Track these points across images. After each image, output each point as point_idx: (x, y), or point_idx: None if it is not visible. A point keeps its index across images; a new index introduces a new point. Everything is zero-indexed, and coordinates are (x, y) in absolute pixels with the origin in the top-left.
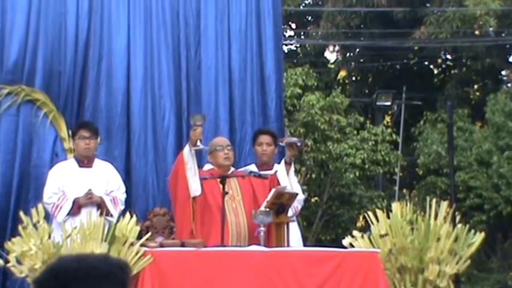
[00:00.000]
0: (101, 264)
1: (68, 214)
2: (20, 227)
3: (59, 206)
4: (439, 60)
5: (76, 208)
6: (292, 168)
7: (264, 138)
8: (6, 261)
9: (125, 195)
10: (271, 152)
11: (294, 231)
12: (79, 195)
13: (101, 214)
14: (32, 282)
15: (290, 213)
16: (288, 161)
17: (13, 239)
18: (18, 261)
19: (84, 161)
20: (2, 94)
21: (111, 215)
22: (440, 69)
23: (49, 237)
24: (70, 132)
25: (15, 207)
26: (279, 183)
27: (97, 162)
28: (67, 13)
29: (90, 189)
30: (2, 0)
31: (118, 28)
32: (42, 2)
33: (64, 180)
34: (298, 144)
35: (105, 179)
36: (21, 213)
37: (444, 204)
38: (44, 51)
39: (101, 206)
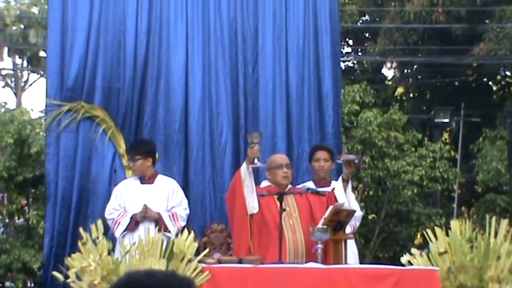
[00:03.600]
0: (172, 280)
1: (126, 230)
2: (79, 243)
3: (118, 221)
4: (498, 77)
5: (133, 224)
6: (350, 186)
7: (321, 154)
8: (66, 277)
9: (186, 212)
10: (328, 167)
11: (351, 249)
12: (138, 211)
13: (159, 230)
14: None
15: (348, 230)
16: (345, 178)
17: (73, 255)
18: (78, 277)
19: (145, 178)
20: (62, 111)
21: (169, 231)
22: (499, 85)
23: (108, 253)
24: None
25: (74, 222)
26: (336, 200)
27: (160, 178)
28: (126, 31)
29: (145, 205)
30: (63, 20)
31: (176, 46)
32: (101, 21)
33: (125, 197)
34: (356, 161)
35: (165, 195)
36: (81, 229)
37: (504, 222)
38: (103, 69)
39: (158, 221)
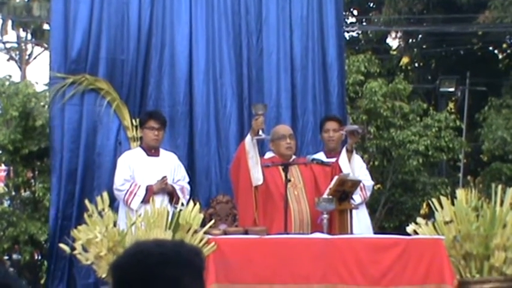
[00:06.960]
0: (180, 249)
1: (142, 201)
2: (85, 215)
3: (133, 192)
4: (504, 45)
5: (149, 195)
6: (355, 156)
7: (331, 125)
8: (73, 249)
9: (188, 186)
10: (338, 138)
11: (364, 219)
12: (149, 183)
13: (172, 202)
14: (110, 268)
15: (359, 199)
16: (349, 149)
17: (79, 227)
18: (84, 249)
19: (152, 150)
20: (66, 83)
21: (182, 204)
22: (505, 54)
23: (114, 225)
24: (136, 121)
25: (80, 195)
26: (341, 171)
27: (162, 151)
28: (129, 2)
29: (165, 176)
30: None
31: (180, 17)
32: None
33: (134, 168)
34: (359, 131)
35: (172, 168)
36: (87, 201)
37: (510, 191)
38: (107, 41)
39: (172, 194)
